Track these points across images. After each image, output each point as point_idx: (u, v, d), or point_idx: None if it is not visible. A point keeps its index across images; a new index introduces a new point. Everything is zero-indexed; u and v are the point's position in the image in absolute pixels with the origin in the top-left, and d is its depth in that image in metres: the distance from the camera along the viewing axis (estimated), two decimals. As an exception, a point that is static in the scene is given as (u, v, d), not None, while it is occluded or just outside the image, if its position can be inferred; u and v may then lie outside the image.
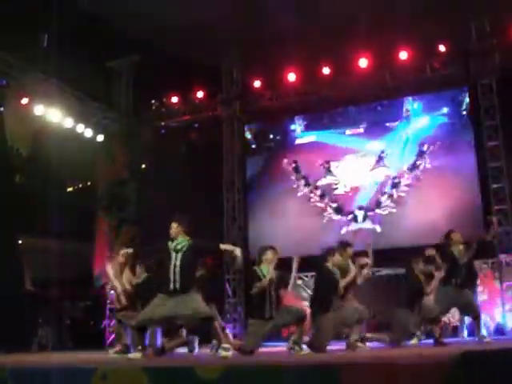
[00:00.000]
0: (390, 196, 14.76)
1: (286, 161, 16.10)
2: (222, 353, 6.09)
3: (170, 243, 6.31)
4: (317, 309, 7.50)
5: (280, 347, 9.26)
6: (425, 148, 14.69)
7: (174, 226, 6.38)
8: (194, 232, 6.47)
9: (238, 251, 6.43)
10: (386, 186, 14.93)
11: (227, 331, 10.12)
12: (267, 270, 7.12)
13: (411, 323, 7.96)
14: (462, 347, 6.04)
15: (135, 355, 6.23)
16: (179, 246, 6.24)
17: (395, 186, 14.76)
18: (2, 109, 13.78)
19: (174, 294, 6.07)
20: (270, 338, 12.23)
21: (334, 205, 15.31)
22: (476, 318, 8.23)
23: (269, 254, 7.22)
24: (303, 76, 15.66)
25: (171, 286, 6.09)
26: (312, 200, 15.60)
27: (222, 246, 6.47)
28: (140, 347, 6.31)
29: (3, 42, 13.21)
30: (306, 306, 14.11)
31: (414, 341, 8.46)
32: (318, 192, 15.55)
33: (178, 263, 6.14)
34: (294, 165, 15.96)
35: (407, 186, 14.68)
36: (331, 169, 15.56)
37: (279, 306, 7.18)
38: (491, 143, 13.57)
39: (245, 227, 15.95)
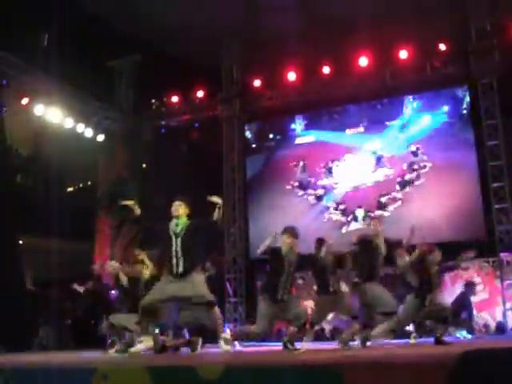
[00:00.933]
0: (390, 195, 14.74)
1: (286, 160, 16.09)
2: (223, 346, 6.07)
3: (170, 225, 6.34)
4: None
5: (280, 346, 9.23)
6: (424, 147, 14.66)
7: (178, 204, 6.41)
8: (193, 213, 6.50)
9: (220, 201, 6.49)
10: (386, 185, 14.91)
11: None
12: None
13: (415, 312, 7.89)
14: (463, 346, 6.03)
15: (138, 348, 6.18)
16: (178, 230, 6.28)
17: (399, 184, 14.75)
18: (5, 109, 13.77)
19: (178, 276, 6.13)
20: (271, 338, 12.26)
21: (334, 204, 15.30)
22: (445, 319, 8.36)
23: (285, 237, 7.10)
24: (303, 75, 15.67)
25: (174, 270, 6.16)
26: (312, 200, 15.58)
27: (211, 199, 6.48)
28: (143, 338, 6.28)
29: (3, 42, 13.21)
30: (307, 305, 14.20)
31: (412, 340, 8.41)
32: (319, 191, 15.54)
33: (179, 248, 6.20)
34: (294, 164, 15.95)
35: (407, 185, 14.66)
36: (331, 168, 15.55)
37: (291, 291, 7.13)
38: (491, 142, 13.57)
39: (245, 226, 15.94)
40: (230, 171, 16.20)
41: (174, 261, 6.19)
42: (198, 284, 6.14)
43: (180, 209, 6.39)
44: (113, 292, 15.96)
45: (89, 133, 16.04)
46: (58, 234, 14.01)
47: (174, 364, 4.93)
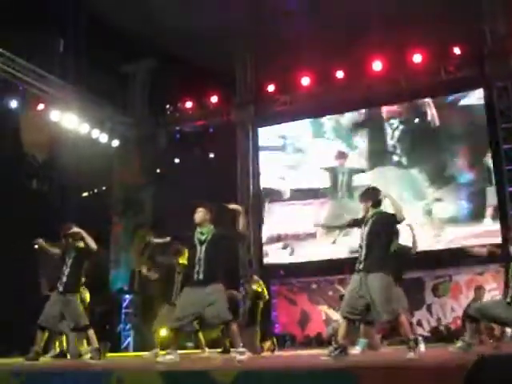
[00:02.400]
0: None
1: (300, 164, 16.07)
2: (238, 356, 6.08)
3: (195, 233, 6.36)
4: None
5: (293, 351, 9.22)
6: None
7: (200, 210, 6.41)
8: (217, 220, 6.50)
9: (240, 209, 6.44)
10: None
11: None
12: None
13: None
14: (479, 351, 5.98)
15: (170, 357, 6.17)
16: (203, 238, 6.30)
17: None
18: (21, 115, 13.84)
19: (198, 284, 6.15)
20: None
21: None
22: None
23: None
24: (317, 79, 15.65)
25: (195, 276, 6.19)
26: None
27: (230, 206, 6.47)
28: (174, 347, 6.30)
29: (20, 48, 13.35)
30: (323, 310, 14.19)
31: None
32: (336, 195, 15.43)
33: (203, 256, 6.23)
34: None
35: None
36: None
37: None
38: (507, 145, 13.47)
39: (259, 231, 15.91)
40: (244, 176, 16.20)
41: (197, 268, 6.23)
42: (218, 302, 6.13)
43: (202, 216, 6.41)
44: (127, 296, 16.09)
45: (104, 138, 16.14)
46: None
47: (188, 368, 4.94)
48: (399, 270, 7.06)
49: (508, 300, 6.60)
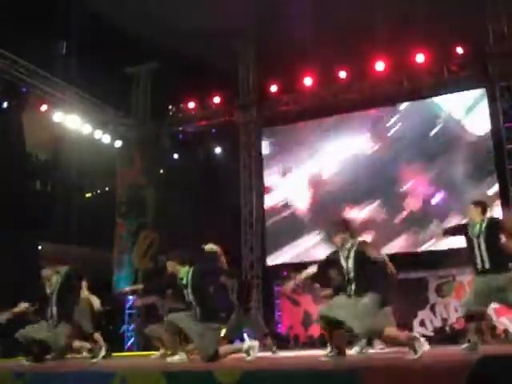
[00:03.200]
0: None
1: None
2: (247, 358, 6.09)
3: (178, 279, 6.45)
4: None
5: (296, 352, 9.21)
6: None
7: (168, 264, 6.50)
8: (192, 256, 6.55)
9: (216, 248, 6.46)
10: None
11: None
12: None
13: None
14: (480, 352, 5.97)
15: (177, 358, 6.23)
16: (184, 282, 6.35)
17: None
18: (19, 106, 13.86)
19: (197, 320, 6.22)
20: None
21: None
22: None
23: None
24: (320, 80, 15.65)
25: (193, 317, 6.23)
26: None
27: (207, 248, 6.51)
28: (183, 349, 6.38)
29: (23, 50, 13.39)
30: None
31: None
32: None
33: (192, 297, 6.28)
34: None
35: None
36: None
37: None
38: (510, 145, 13.45)
39: (262, 233, 15.88)
40: (247, 177, 16.19)
41: (193, 309, 6.28)
42: (208, 338, 6.13)
43: (172, 267, 6.48)
44: (130, 297, 16.09)
45: (106, 139, 16.16)
46: (76, 239, 14.16)
47: (192, 369, 4.94)
48: (386, 293, 6.95)
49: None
